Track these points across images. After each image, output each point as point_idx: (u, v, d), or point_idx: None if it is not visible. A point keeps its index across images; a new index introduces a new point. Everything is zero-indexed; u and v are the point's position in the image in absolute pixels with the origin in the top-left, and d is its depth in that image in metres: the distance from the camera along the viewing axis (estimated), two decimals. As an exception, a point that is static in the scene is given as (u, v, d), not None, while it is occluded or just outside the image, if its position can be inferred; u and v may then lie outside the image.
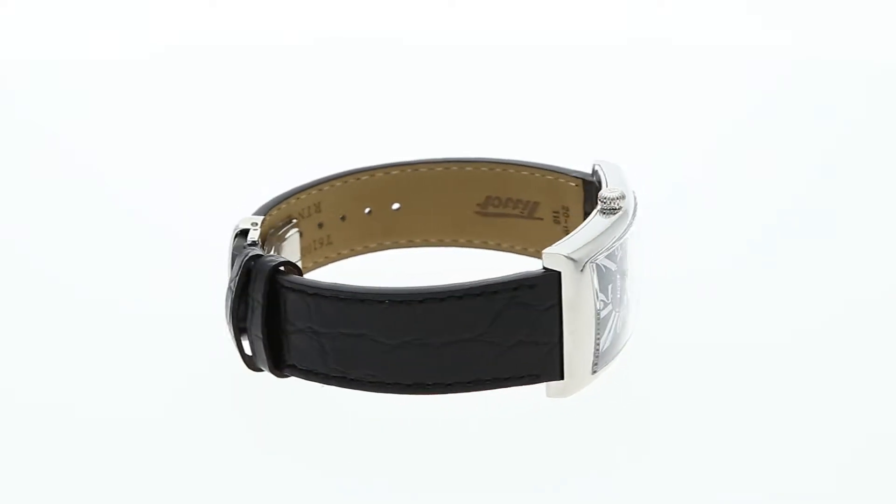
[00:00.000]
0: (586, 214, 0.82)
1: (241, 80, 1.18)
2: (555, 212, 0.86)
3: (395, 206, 0.87)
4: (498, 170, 0.86)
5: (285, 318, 0.73)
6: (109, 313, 0.86)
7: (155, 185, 1.02)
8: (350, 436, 0.74)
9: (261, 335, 0.73)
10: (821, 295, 0.86)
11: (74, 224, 0.97)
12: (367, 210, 0.87)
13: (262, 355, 0.74)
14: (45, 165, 1.06)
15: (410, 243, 0.88)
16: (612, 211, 0.76)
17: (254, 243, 0.76)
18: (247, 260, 0.74)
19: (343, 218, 0.86)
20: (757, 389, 0.77)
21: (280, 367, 0.74)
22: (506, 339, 0.72)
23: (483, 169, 0.86)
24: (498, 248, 0.88)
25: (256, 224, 0.78)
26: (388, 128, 1.09)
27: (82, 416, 0.77)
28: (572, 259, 0.72)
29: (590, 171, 0.83)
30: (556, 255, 0.72)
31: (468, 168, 0.86)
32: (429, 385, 0.72)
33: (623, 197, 0.76)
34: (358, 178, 0.86)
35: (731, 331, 0.82)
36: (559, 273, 0.71)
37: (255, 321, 0.74)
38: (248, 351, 0.75)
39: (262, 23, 1.24)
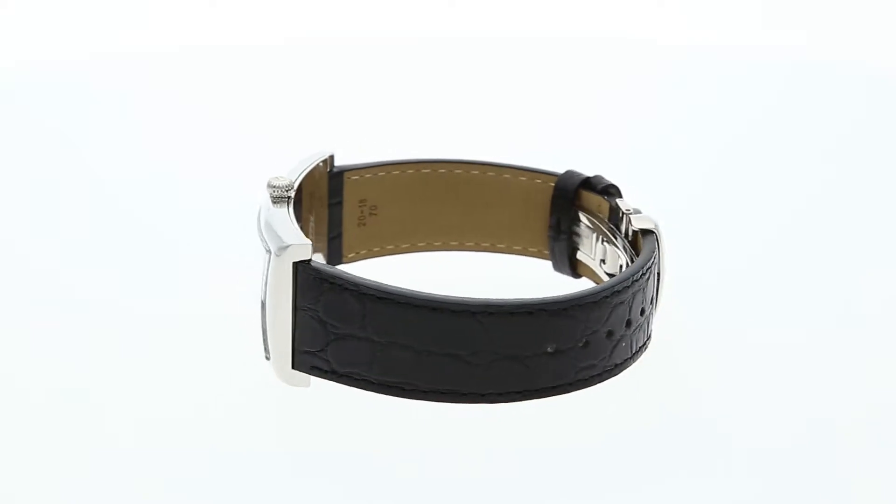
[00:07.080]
0: None
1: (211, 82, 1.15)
2: None
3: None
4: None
5: None
6: (117, 315, 0.83)
7: (158, 183, 0.99)
8: (378, 439, 0.73)
9: None
10: (822, 296, 0.86)
11: (78, 228, 0.94)
12: None
13: None
14: (48, 166, 1.02)
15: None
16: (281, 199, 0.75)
17: None
18: None
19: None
20: (759, 392, 0.77)
21: None
22: None
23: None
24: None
25: None
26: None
27: (101, 418, 0.75)
28: None
29: None
30: None
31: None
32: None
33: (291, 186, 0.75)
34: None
35: (736, 332, 0.82)
36: None
37: None
38: None
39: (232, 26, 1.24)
